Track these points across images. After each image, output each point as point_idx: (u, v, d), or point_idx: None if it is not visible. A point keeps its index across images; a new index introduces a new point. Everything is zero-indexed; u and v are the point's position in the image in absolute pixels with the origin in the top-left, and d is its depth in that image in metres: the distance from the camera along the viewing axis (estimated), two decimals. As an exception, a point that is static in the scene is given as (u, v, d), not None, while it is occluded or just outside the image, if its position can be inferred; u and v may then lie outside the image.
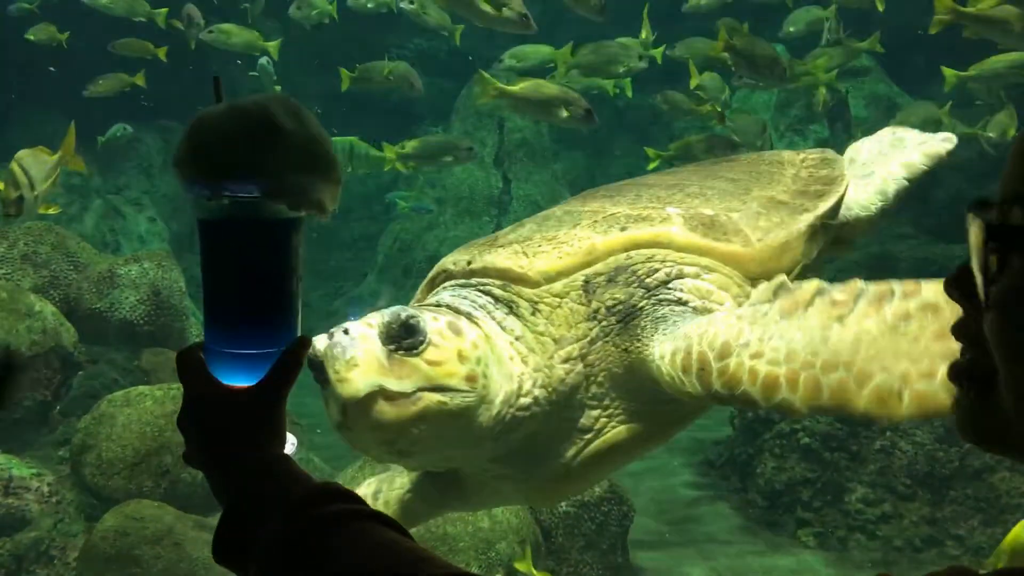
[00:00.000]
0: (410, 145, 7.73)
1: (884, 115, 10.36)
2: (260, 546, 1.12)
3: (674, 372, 2.14)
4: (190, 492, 4.91)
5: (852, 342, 1.99)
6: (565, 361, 2.23)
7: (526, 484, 2.35)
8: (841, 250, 3.02)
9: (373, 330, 1.99)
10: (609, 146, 12.42)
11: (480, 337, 2.11)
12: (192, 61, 9.02)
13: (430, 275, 2.44)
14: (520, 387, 2.16)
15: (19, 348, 5.33)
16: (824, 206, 2.58)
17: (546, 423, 2.23)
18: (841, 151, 3.22)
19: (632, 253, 2.29)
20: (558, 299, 2.25)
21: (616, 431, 2.30)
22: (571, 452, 2.29)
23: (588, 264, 2.28)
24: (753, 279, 2.35)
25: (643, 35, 7.67)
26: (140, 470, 4.86)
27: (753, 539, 6.09)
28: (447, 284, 2.36)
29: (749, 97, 10.90)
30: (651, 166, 7.74)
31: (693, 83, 7.24)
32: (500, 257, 2.29)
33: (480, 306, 2.24)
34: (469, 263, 2.32)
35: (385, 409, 1.95)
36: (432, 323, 2.05)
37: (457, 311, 2.17)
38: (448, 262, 2.40)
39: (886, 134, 3.16)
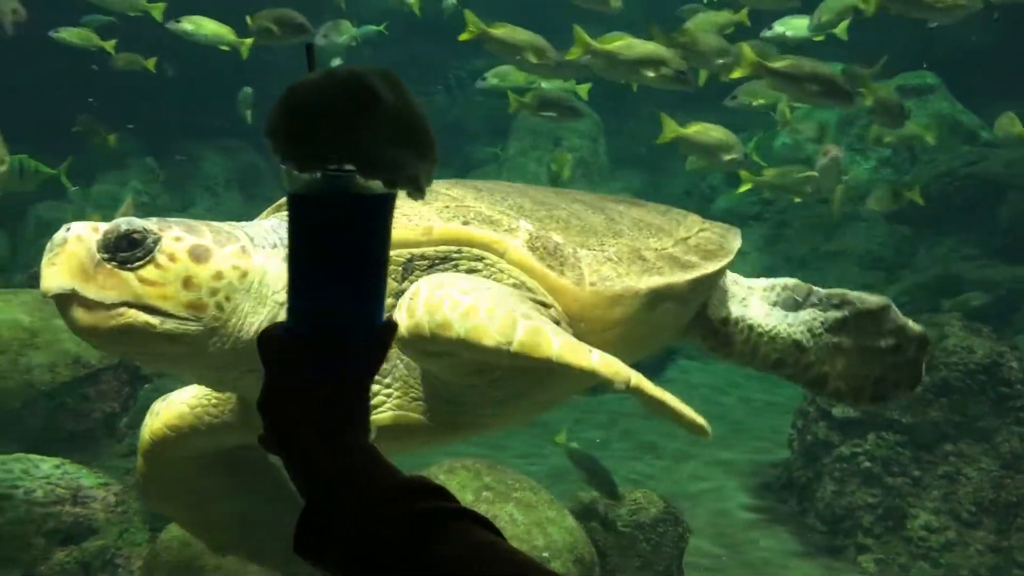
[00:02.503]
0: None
1: (948, 133, 10.17)
2: (348, 540, 1.08)
3: (398, 314, 2.12)
4: (250, 504, 4.99)
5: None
6: None
7: None
8: (728, 354, 2.92)
9: (95, 234, 1.95)
10: (666, 164, 12.37)
11: (234, 269, 2.03)
12: (252, 78, 9.21)
13: (279, 201, 2.36)
14: None
15: (89, 360, 5.49)
16: (681, 277, 2.51)
17: None
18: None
19: (464, 249, 2.27)
20: None
21: (383, 415, 2.26)
22: None
23: (418, 244, 2.25)
24: (575, 320, 2.32)
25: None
26: (202, 482, 4.95)
27: (812, 564, 5.99)
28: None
29: (811, 113, 10.77)
30: (742, 188, 7.68)
31: (780, 114, 7.35)
32: None
33: (276, 243, 2.15)
34: None
35: (79, 314, 1.93)
36: (171, 243, 1.98)
37: (235, 238, 2.08)
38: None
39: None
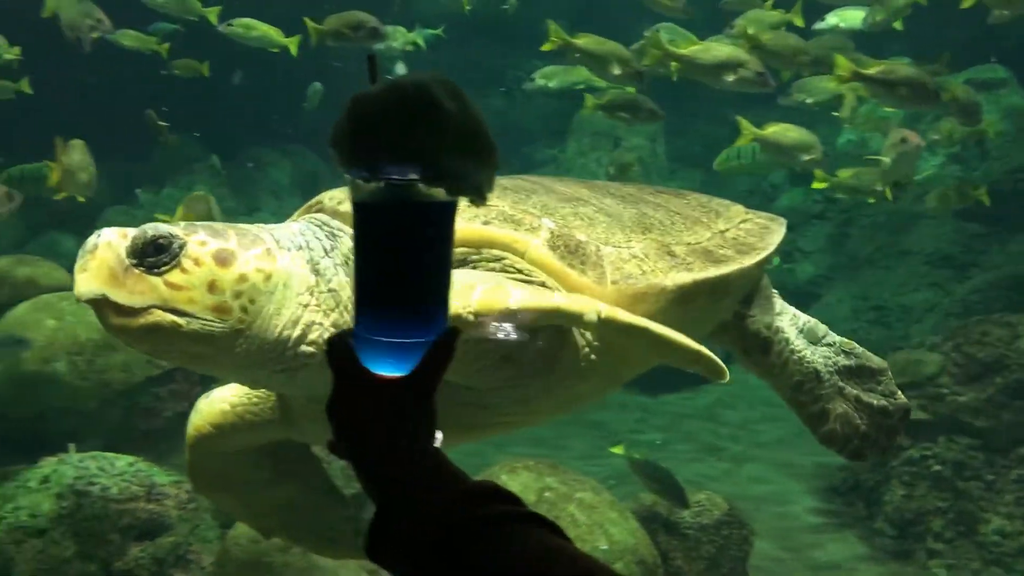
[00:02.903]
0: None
1: (1022, 128, 9.87)
2: (418, 545, 1.10)
3: None
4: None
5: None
6: None
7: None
8: (760, 362, 2.89)
9: (124, 241, 1.98)
10: (727, 164, 12.22)
11: (258, 272, 2.05)
12: (318, 82, 9.35)
13: (310, 202, 2.39)
14: (304, 335, 2.10)
15: (161, 362, 5.65)
16: (712, 272, 2.43)
17: None
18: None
19: (484, 250, 2.25)
20: None
21: None
22: None
23: None
24: None
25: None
26: (270, 480, 5.06)
27: (880, 569, 5.88)
28: (316, 216, 2.29)
29: (875, 110, 10.55)
30: (816, 186, 7.56)
31: (845, 112, 7.26)
32: None
33: (303, 245, 2.17)
34: (340, 203, 2.27)
35: (111, 317, 1.98)
36: (196, 247, 2.02)
37: (261, 241, 2.10)
38: (327, 196, 2.34)
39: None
